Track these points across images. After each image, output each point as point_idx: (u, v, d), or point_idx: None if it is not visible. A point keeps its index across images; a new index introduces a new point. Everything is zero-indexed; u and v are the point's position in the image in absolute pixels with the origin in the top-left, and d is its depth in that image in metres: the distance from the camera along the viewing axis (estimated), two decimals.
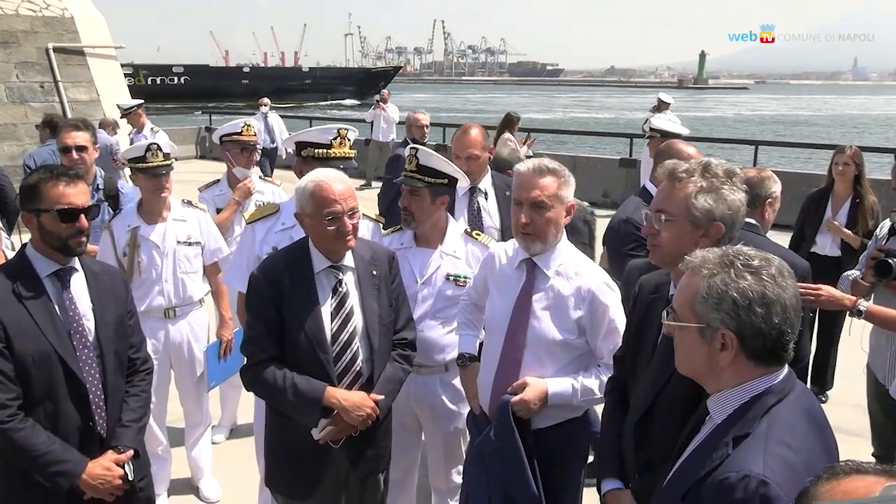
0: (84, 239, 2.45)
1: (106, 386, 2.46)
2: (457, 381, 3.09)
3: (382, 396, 2.64)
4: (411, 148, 3.11)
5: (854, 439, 3.82)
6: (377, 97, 15.56)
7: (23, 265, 2.44)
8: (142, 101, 10.09)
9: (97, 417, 2.44)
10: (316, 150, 3.26)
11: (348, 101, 64.16)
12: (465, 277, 3.11)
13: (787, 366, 1.64)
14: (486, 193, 4.01)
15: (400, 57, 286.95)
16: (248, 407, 3.96)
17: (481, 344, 2.93)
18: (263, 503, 3.51)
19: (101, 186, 4.42)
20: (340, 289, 2.65)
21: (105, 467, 2.41)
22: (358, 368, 2.63)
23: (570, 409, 2.67)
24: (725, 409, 1.61)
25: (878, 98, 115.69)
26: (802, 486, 1.12)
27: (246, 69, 71.56)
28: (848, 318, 3.37)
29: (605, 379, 2.60)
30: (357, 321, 2.65)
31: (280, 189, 4.77)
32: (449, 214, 3.28)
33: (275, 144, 13.43)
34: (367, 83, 68.06)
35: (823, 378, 5.33)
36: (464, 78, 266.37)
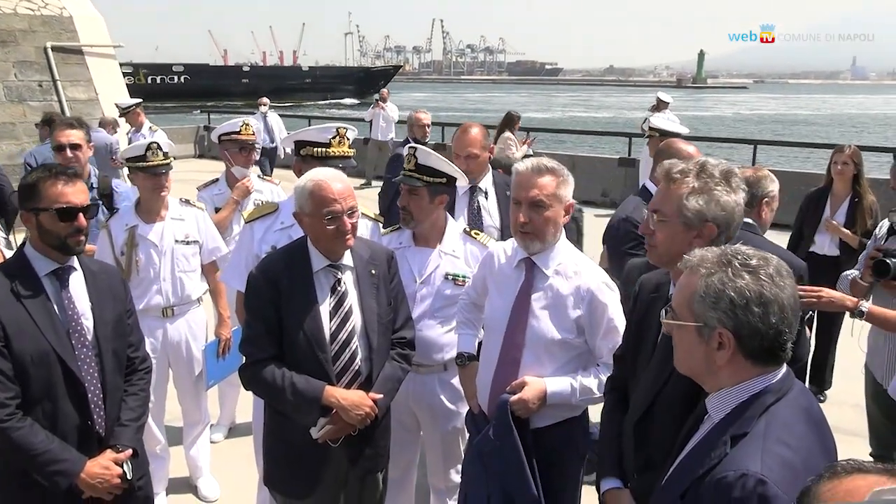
0: (83, 238, 2.45)
1: (104, 385, 2.46)
2: (455, 381, 3.09)
3: (381, 395, 2.65)
4: (410, 147, 3.11)
5: (852, 439, 3.83)
6: (376, 96, 15.56)
7: (21, 264, 2.44)
8: (140, 99, 10.09)
9: (96, 416, 2.44)
10: (315, 149, 3.26)
11: (347, 101, 64.14)
12: (463, 277, 3.11)
13: (785, 365, 1.64)
14: (486, 193, 4.01)
15: (399, 56, 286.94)
16: (246, 406, 3.96)
17: (480, 343, 2.93)
18: (262, 502, 3.51)
19: (94, 185, 4.40)
20: (339, 288, 2.65)
21: (104, 466, 2.41)
22: (357, 367, 2.64)
23: (568, 408, 2.68)
24: (724, 409, 1.62)
25: (876, 97, 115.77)
26: (804, 486, 1.12)
27: (246, 68, 71.50)
28: (848, 319, 3.37)
29: (603, 378, 2.60)
30: (356, 320, 2.65)
31: (279, 188, 4.77)
32: (448, 214, 3.28)
33: (274, 144, 13.43)
34: (366, 82, 68.01)
35: (822, 377, 5.34)
36: (462, 77, 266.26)
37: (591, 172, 12.18)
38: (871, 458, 2.92)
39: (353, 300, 2.66)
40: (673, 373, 1.85)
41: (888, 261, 3.26)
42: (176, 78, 57.87)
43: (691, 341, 1.64)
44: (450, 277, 3.11)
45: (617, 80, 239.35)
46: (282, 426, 2.68)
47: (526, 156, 8.79)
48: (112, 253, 3.70)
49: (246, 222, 3.41)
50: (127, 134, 9.84)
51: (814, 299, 3.02)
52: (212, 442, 4.40)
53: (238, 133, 4.63)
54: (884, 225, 3.70)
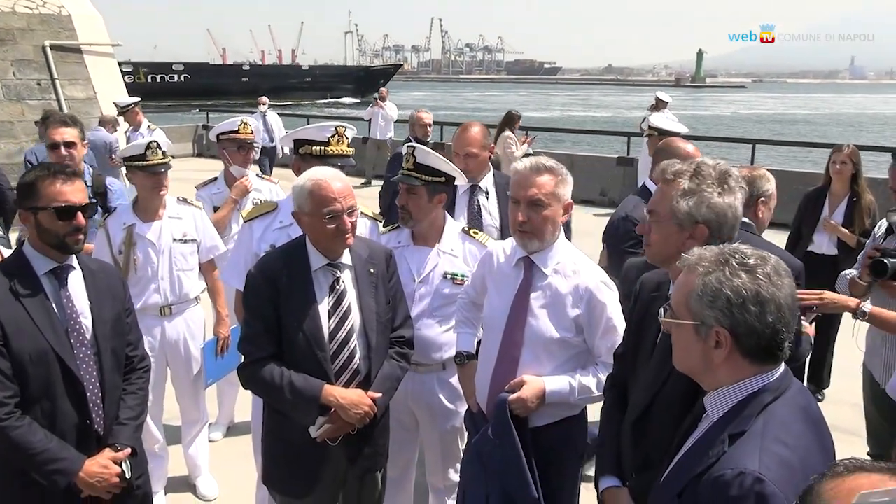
0: (81, 237, 2.45)
1: (103, 384, 2.46)
2: (454, 380, 3.09)
3: (380, 394, 2.65)
4: (408, 146, 3.11)
5: (850, 438, 3.83)
6: (375, 95, 15.56)
7: (20, 263, 2.43)
8: (139, 98, 10.08)
9: (94, 415, 2.44)
10: (313, 148, 3.26)
11: (346, 100, 64.10)
12: (462, 276, 3.11)
13: (783, 364, 1.65)
14: (487, 192, 4.01)
15: (397, 55, 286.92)
16: (245, 405, 3.96)
17: (479, 342, 2.93)
18: (261, 501, 3.51)
19: (89, 184, 4.38)
20: (338, 286, 2.65)
21: (102, 465, 2.41)
22: (355, 366, 2.64)
23: (567, 407, 2.68)
24: (722, 407, 1.62)
25: (875, 97, 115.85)
26: (807, 484, 1.12)
27: (246, 67, 71.46)
28: (847, 318, 3.37)
29: (602, 377, 2.60)
30: (354, 319, 2.65)
31: (277, 187, 4.77)
32: (447, 213, 3.28)
33: (274, 143, 13.43)
34: (366, 81, 67.94)
35: (820, 376, 5.35)
36: (461, 76, 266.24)
37: (590, 171, 12.19)
38: (868, 458, 2.92)
39: (351, 299, 2.66)
40: (672, 372, 1.86)
41: (886, 261, 3.26)
42: (176, 77, 57.84)
43: (689, 339, 1.65)
44: (448, 276, 3.11)
45: (615, 79, 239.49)
46: (281, 425, 2.68)
47: (526, 155, 8.80)
48: (110, 252, 3.70)
49: (245, 221, 3.41)
50: (125, 133, 9.83)
51: (816, 302, 3.03)
52: (210, 441, 4.40)
53: (236, 132, 4.62)
54: (882, 225, 3.70)
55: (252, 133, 4.72)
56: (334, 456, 2.64)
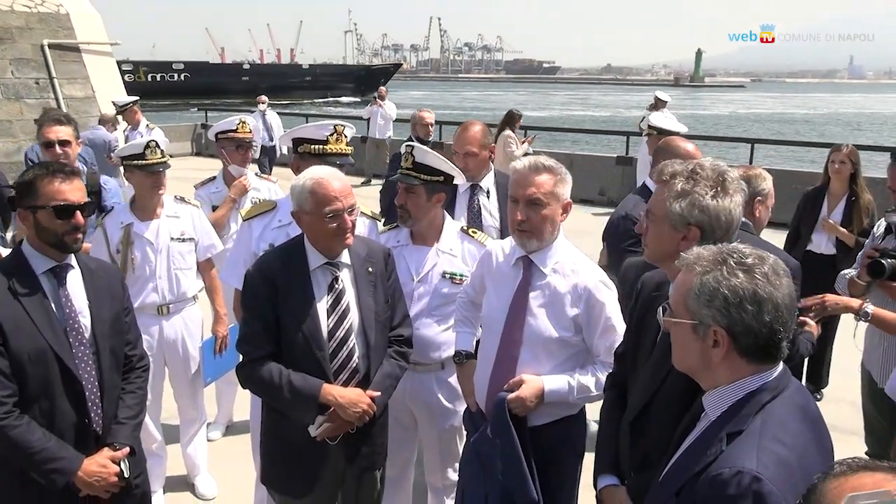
0: (80, 236, 2.45)
1: (102, 383, 2.46)
2: (453, 379, 3.09)
3: (379, 393, 2.64)
4: (407, 145, 3.11)
5: (849, 437, 3.84)
6: (375, 94, 15.55)
7: (18, 262, 2.43)
8: (137, 97, 10.07)
9: (93, 414, 2.44)
10: (312, 146, 3.26)
11: (345, 99, 64.09)
12: (461, 275, 3.11)
13: (782, 363, 1.65)
14: (488, 192, 4.00)
15: (396, 54, 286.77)
16: (244, 404, 3.96)
17: (478, 342, 2.93)
18: (259, 500, 3.52)
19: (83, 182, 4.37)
20: (337, 285, 2.65)
21: (101, 464, 2.41)
22: (354, 365, 2.64)
23: (566, 406, 2.68)
24: (720, 406, 1.62)
25: (874, 96, 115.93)
26: (810, 483, 1.12)
27: (246, 66, 71.47)
28: (845, 317, 3.38)
29: (600, 377, 2.61)
30: (353, 317, 2.65)
31: (276, 186, 4.77)
32: (446, 212, 3.28)
33: (273, 142, 13.42)
34: (367, 80, 67.91)
35: (819, 375, 5.35)
36: (460, 75, 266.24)
37: (589, 171, 12.20)
38: (866, 457, 2.93)
39: (350, 298, 2.66)
40: (671, 371, 1.86)
41: (883, 262, 3.27)
42: (176, 76, 57.86)
43: (687, 338, 1.65)
44: (447, 276, 3.11)
45: (614, 78, 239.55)
46: (279, 424, 2.68)
47: (526, 154, 8.81)
48: (107, 251, 3.70)
49: (244, 220, 3.41)
50: (124, 132, 9.83)
51: (818, 304, 3.05)
52: (209, 440, 4.40)
53: (234, 131, 4.62)
54: (881, 224, 3.71)
55: (250, 132, 4.72)
56: (333, 455, 2.64)
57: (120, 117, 9.84)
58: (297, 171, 3.06)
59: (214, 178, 4.71)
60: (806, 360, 4.75)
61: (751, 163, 10.18)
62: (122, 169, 4.04)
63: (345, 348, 2.62)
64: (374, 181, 13.98)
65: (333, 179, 2.59)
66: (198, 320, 4.01)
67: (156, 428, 3.90)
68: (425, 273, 3.11)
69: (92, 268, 2.57)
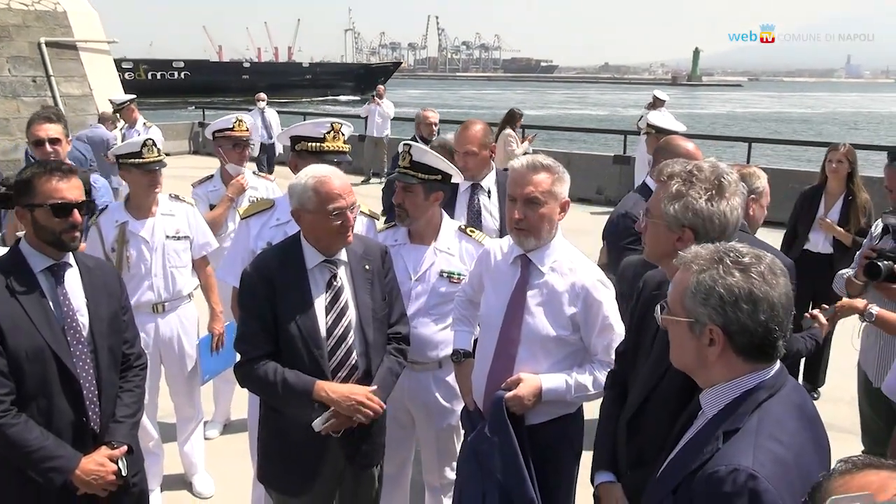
0: (78, 234, 2.45)
1: (100, 381, 2.46)
2: (450, 378, 3.09)
3: (375, 387, 2.63)
4: (405, 144, 3.11)
5: (846, 436, 3.85)
6: (373, 92, 15.53)
7: (16, 260, 2.43)
8: (134, 95, 10.06)
9: (91, 413, 2.44)
10: (309, 144, 3.26)
11: (343, 97, 64.05)
12: (458, 274, 3.11)
13: (779, 362, 1.65)
14: (488, 191, 4.00)
15: (394, 53, 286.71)
16: (242, 402, 3.96)
17: (476, 340, 2.93)
18: (257, 499, 3.51)
19: None
20: (335, 283, 2.65)
21: (98, 463, 2.41)
22: (353, 363, 2.64)
23: (563, 405, 2.68)
24: (717, 404, 1.63)
25: (871, 95, 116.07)
26: (815, 481, 1.12)
27: (246, 64, 71.46)
28: (848, 318, 3.39)
29: (598, 375, 2.61)
30: (351, 315, 2.65)
31: (274, 184, 4.76)
32: (443, 211, 3.28)
33: (272, 140, 13.41)
34: (366, 79, 67.87)
35: (815, 374, 5.37)
36: (458, 74, 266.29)
37: (587, 170, 12.20)
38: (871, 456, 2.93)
39: (348, 295, 2.66)
40: (668, 369, 1.86)
41: (879, 263, 3.29)
42: (176, 74, 57.85)
43: (684, 337, 1.66)
44: (445, 275, 3.11)
45: (612, 77, 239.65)
46: (277, 423, 2.68)
47: (526, 153, 8.82)
48: (102, 249, 3.69)
49: (242, 219, 3.41)
50: (120, 130, 9.81)
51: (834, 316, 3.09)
52: (207, 438, 4.40)
53: (231, 129, 4.61)
54: (878, 225, 3.72)
55: (247, 130, 4.71)
56: (331, 453, 2.64)
57: (117, 115, 9.83)
58: (294, 168, 3.06)
59: (212, 176, 4.70)
60: (803, 358, 4.75)
61: (748, 162, 10.20)
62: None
63: (343, 346, 2.62)
64: (373, 180, 13.99)
65: (335, 177, 2.59)
66: (194, 318, 4.01)
67: (152, 426, 3.90)
68: (423, 272, 3.11)
69: (90, 266, 2.57)
